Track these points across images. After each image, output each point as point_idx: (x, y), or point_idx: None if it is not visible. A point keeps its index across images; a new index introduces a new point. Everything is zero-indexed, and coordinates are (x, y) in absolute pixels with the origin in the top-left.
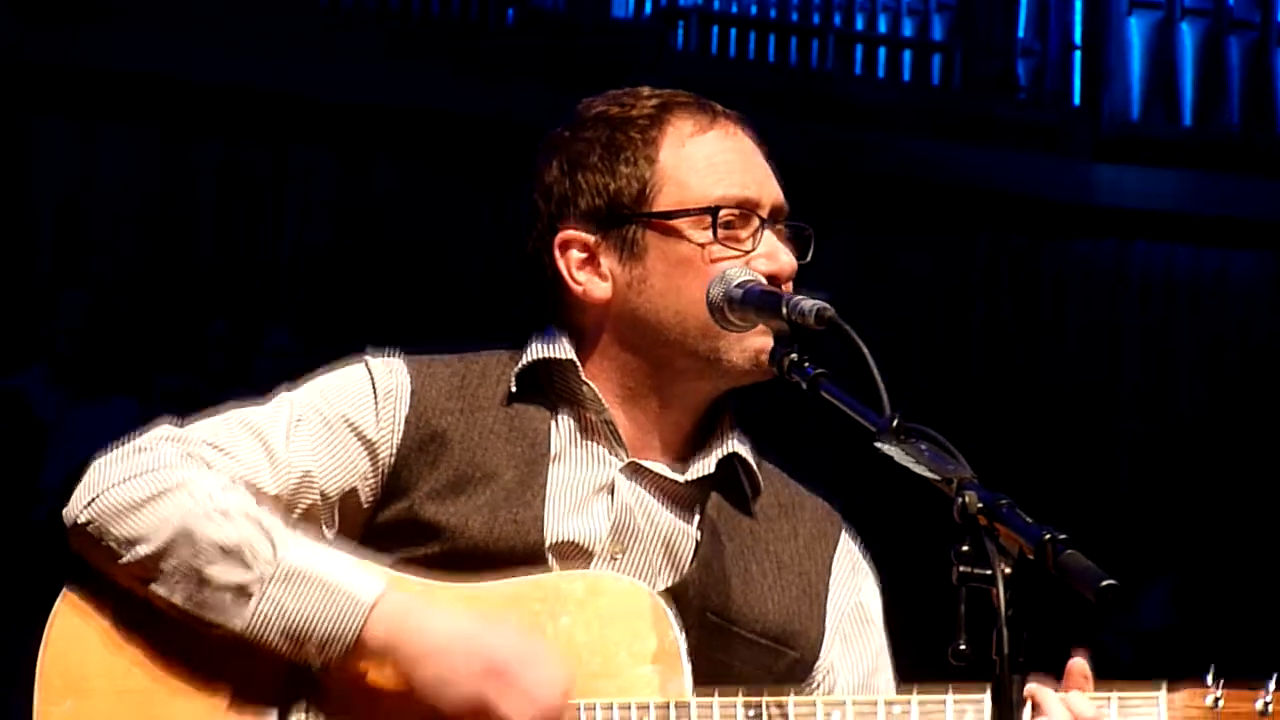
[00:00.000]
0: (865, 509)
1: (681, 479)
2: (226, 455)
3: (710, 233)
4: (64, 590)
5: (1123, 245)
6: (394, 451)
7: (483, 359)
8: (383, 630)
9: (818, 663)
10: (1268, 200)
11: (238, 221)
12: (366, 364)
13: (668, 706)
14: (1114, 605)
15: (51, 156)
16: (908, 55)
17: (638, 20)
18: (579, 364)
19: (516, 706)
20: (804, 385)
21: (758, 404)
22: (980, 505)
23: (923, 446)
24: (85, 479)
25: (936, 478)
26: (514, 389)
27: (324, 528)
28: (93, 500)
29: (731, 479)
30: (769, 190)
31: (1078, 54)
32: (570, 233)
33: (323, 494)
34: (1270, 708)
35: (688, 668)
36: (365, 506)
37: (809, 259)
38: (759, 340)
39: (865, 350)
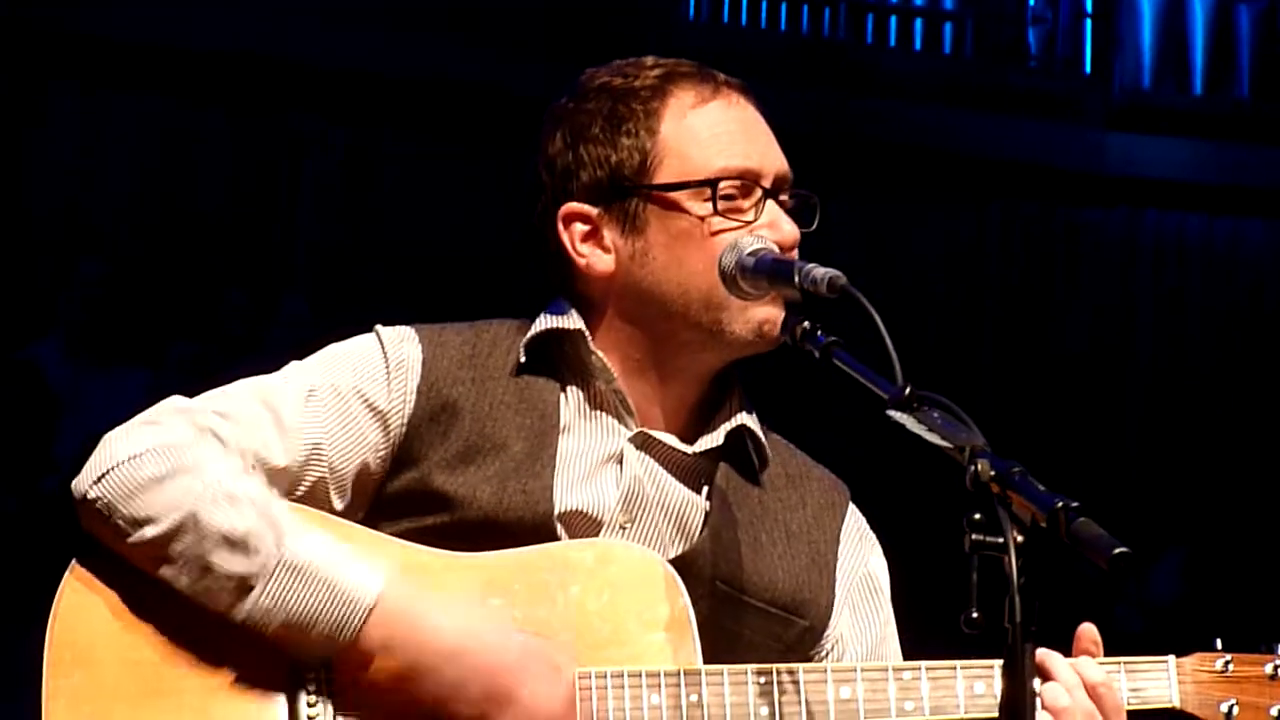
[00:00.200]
0: (876, 477)
1: (690, 450)
2: (237, 426)
3: (711, 205)
4: (73, 563)
5: (1134, 214)
6: (405, 422)
7: (493, 328)
8: (380, 632)
9: (827, 631)
10: (1278, 169)
11: (252, 190)
12: (378, 334)
13: (678, 674)
14: (1126, 573)
15: (65, 124)
16: (919, 23)
17: None
18: (588, 334)
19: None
20: (816, 354)
21: (767, 375)
22: (993, 473)
23: (935, 414)
24: (95, 454)
25: (949, 446)
26: (523, 359)
27: (333, 500)
28: (102, 477)
29: (740, 450)
30: (771, 160)
31: (1089, 22)
32: (573, 205)
33: (331, 466)
34: None
35: (696, 635)
36: (375, 477)
37: (814, 226)
38: (762, 311)
39: (877, 318)
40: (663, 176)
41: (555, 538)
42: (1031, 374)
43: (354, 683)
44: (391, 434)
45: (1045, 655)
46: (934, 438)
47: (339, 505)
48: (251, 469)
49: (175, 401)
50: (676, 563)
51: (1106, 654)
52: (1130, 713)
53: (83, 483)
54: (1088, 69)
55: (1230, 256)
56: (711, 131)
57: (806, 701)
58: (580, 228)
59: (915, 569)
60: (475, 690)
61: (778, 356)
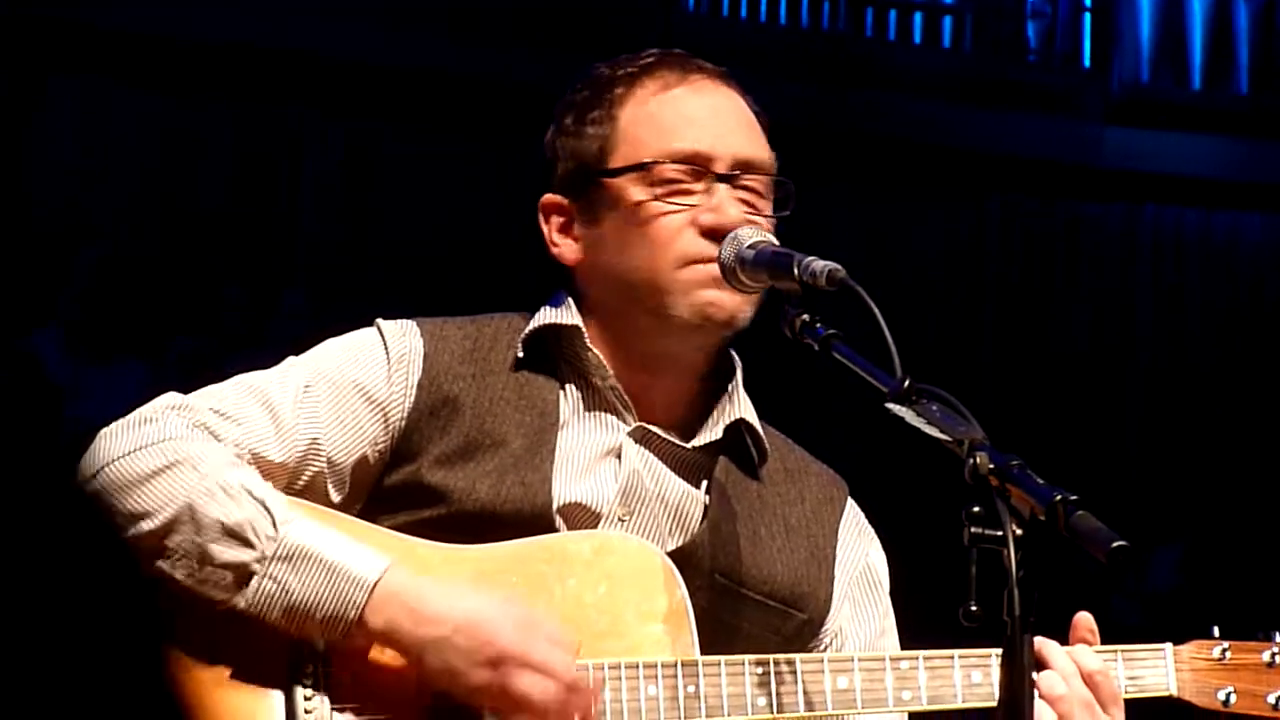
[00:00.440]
0: (875, 471)
1: (688, 445)
2: (233, 423)
3: (653, 189)
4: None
5: (1133, 208)
6: (405, 415)
7: (495, 322)
8: (384, 611)
9: (825, 624)
10: (1276, 163)
11: (252, 185)
12: (379, 327)
13: (675, 665)
14: (1125, 566)
15: (65, 118)
16: (918, 17)
17: None
18: (584, 330)
19: (534, 685)
20: (815, 346)
21: (767, 369)
22: (992, 466)
23: (934, 408)
24: (91, 450)
25: (948, 439)
26: (520, 355)
27: (331, 493)
28: (98, 472)
29: (739, 444)
30: (728, 143)
31: (1088, 17)
32: (551, 197)
33: (329, 460)
34: (1278, 659)
35: (693, 627)
36: (373, 470)
37: (789, 212)
38: (705, 294)
39: (877, 311)
40: (615, 163)
41: (553, 530)
42: (1030, 368)
43: (352, 674)
44: (391, 427)
45: (1042, 644)
46: (933, 431)
47: (336, 498)
48: (247, 463)
49: (171, 398)
50: (675, 555)
51: (1103, 643)
52: (1128, 701)
53: (80, 479)
54: (1087, 63)
55: (1229, 251)
56: (666, 117)
57: (804, 692)
58: (557, 219)
59: (914, 562)
60: (482, 656)
61: (777, 350)
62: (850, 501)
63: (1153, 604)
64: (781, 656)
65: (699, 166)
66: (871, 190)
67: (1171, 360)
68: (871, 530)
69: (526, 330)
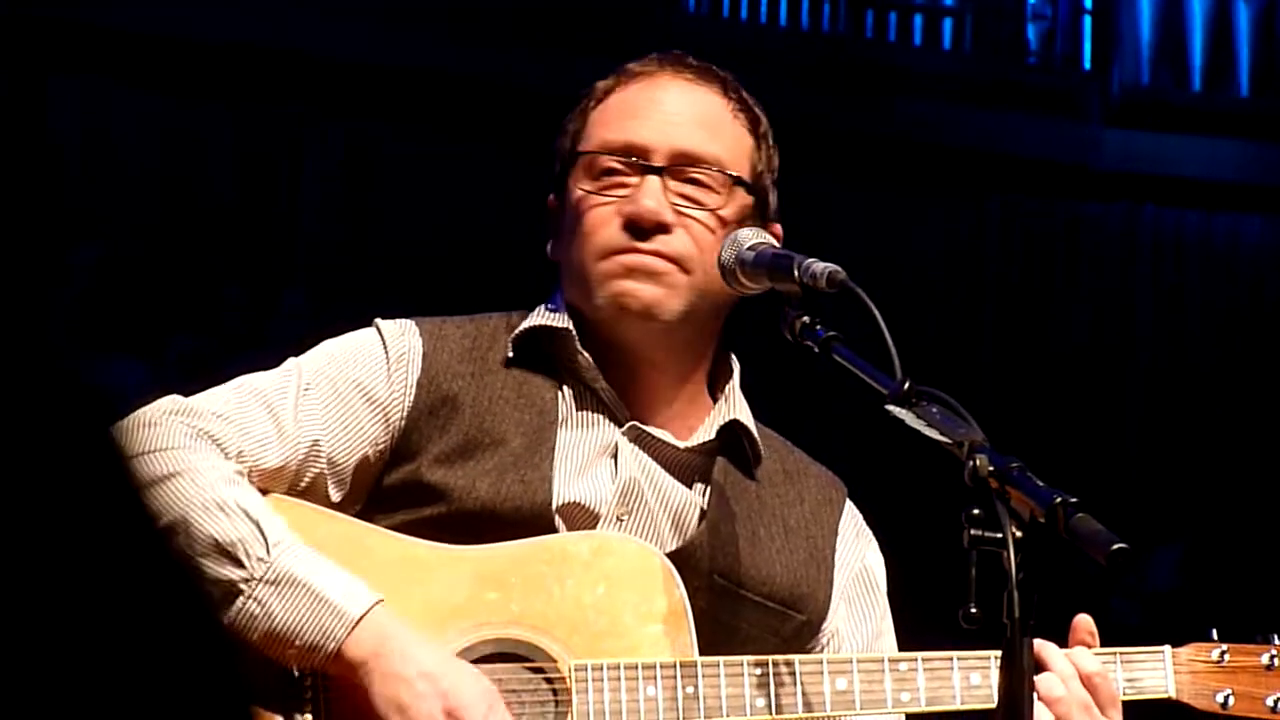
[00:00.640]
0: (875, 473)
1: (682, 445)
2: (234, 426)
3: (590, 180)
4: None
5: (1133, 209)
6: (405, 415)
7: (493, 322)
8: (363, 647)
9: (824, 626)
10: (1276, 165)
11: (252, 185)
12: (378, 327)
13: (674, 666)
14: (1125, 568)
15: (65, 116)
16: (919, 19)
17: None
18: (574, 333)
19: None
20: (816, 349)
21: (768, 371)
22: (991, 468)
23: (934, 410)
24: None
25: (948, 441)
26: (510, 355)
27: (332, 493)
28: None
29: (737, 446)
30: (668, 135)
31: (1088, 19)
32: (550, 198)
33: (330, 461)
34: (1277, 662)
35: (692, 628)
36: (374, 469)
37: (716, 206)
38: (616, 285)
39: (877, 313)
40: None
41: (553, 529)
42: (1030, 369)
43: (347, 700)
44: (391, 426)
45: (1041, 646)
46: (933, 433)
47: (337, 497)
48: (248, 471)
49: (172, 401)
50: (674, 556)
51: (1103, 646)
52: (1126, 703)
53: None
54: (1087, 65)
55: (1229, 252)
56: (614, 110)
57: (803, 693)
58: (552, 218)
59: (914, 564)
60: (438, 704)
61: (777, 352)
62: (849, 503)
63: (1152, 604)
64: (780, 658)
65: (636, 158)
66: (871, 191)
67: (1171, 361)
68: (869, 532)
69: (517, 331)
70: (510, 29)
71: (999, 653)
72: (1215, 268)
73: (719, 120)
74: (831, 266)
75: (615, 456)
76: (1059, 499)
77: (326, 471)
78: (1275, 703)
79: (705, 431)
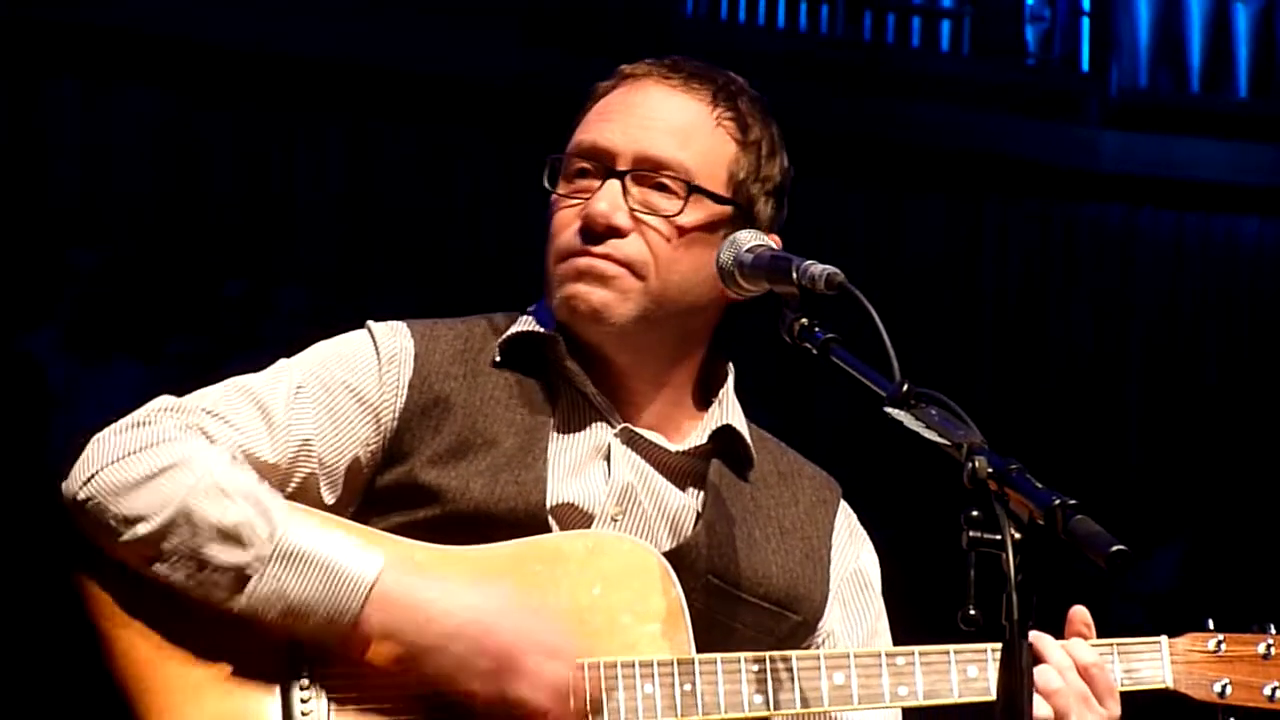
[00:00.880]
0: (874, 475)
1: (674, 449)
2: (226, 424)
3: (565, 183)
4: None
5: (1131, 211)
6: (396, 416)
7: (485, 323)
8: (382, 612)
9: (820, 626)
10: (1274, 167)
11: (251, 184)
12: (369, 328)
13: (672, 664)
14: (1124, 571)
15: (64, 116)
16: (917, 21)
17: None
18: (560, 337)
19: (533, 693)
20: (814, 350)
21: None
22: (990, 470)
23: (933, 411)
24: (84, 454)
25: (946, 443)
26: (498, 358)
27: (324, 495)
28: (91, 477)
29: (731, 449)
30: (632, 140)
31: (1086, 20)
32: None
33: (321, 461)
34: (1273, 651)
35: (689, 625)
36: (366, 471)
37: (678, 213)
38: (567, 288)
39: (875, 315)
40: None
41: (547, 530)
42: (1029, 370)
43: (349, 671)
44: (383, 428)
45: (1037, 638)
46: (931, 435)
47: (329, 500)
48: (241, 464)
49: (164, 401)
50: (669, 557)
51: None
52: (1124, 694)
53: (73, 484)
54: (1085, 67)
55: (1227, 254)
56: (594, 113)
57: (800, 689)
58: None
59: (913, 566)
60: (483, 665)
61: (779, 354)
62: (843, 504)
63: (1153, 605)
64: (778, 654)
65: (601, 161)
66: (870, 193)
67: (1169, 362)
68: (864, 532)
69: (504, 336)
70: (511, 31)
71: (995, 645)
72: (1213, 269)
73: (694, 128)
74: (830, 269)
75: (608, 458)
76: (1058, 501)
77: (318, 472)
78: (1273, 691)
79: (698, 436)
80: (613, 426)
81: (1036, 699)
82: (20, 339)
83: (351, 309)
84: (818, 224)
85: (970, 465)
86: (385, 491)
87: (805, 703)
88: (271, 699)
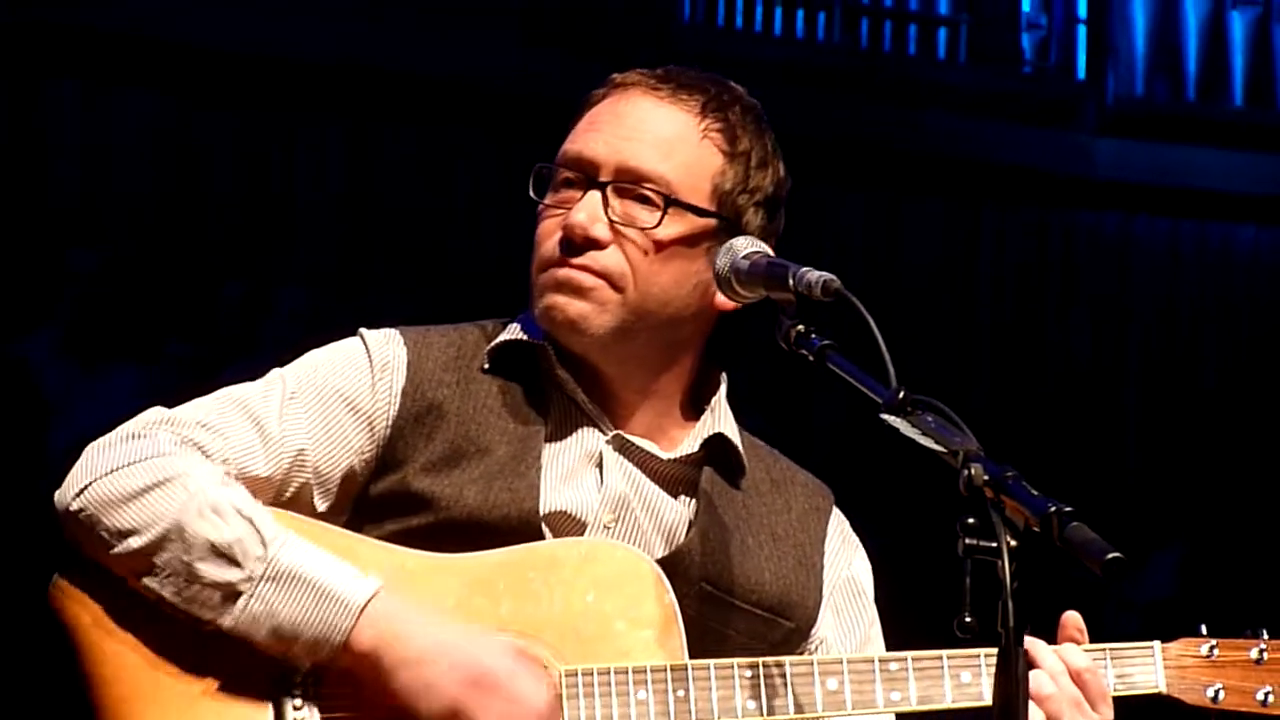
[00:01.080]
0: (871, 481)
1: (666, 456)
2: (219, 436)
3: (549, 193)
4: (55, 577)
5: (1127, 219)
6: (390, 423)
7: (477, 330)
8: (371, 634)
9: (812, 631)
10: (1270, 175)
11: (250, 186)
12: (362, 336)
13: (665, 670)
14: (1120, 578)
15: (62, 119)
16: (913, 29)
17: None
18: (549, 346)
19: (499, 716)
20: (811, 357)
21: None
22: (986, 477)
23: (929, 418)
24: (78, 465)
25: (942, 450)
26: (486, 366)
27: (318, 503)
28: (85, 488)
29: (721, 457)
30: (615, 151)
31: (1082, 28)
32: None
33: (316, 470)
34: (1266, 655)
35: (682, 632)
36: (360, 479)
37: (655, 225)
38: (546, 299)
39: (872, 322)
40: None
41: (541, 537)
42: (1026, 378)
43: (341, 688)
44: (376, 435)
45: (1030, 643)
46: (927, 442)
47: (323, 508)
48: (235, 478)
49: (157, 412)
50: (662, 564)
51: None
52: (1116, 699)
53: (65, 495)
54: (1081, 75)
55: (1223, 262)
56: (582, 122)
57: (794, 694)
58: None
59: (908, 573)
60: (460, 675)
61: (776, 361)
62: (836, 510)
63: (1149, 614)
64: (771, 660)
65: (584, 172)
66: (865, 199)
67: (1166, 370)
68: (856, 539)
69: (492, 344)
70: (510, 33)
71: (988, 650)
72: (1210, 276)
73: (678, 139)
74: (827, 275)
75: (600, 466)
76: (1053, 508)
77: (312, 481)
78: (1265, 696)
79: (690, 444)
80: (604, 434)
81: (1030, 705)
82: (17, 343)
83: (351, 311)
84: (815, 231)
85: (966, 472)
86: (379, 499)
87: (799, 709)
88: (265, 713)
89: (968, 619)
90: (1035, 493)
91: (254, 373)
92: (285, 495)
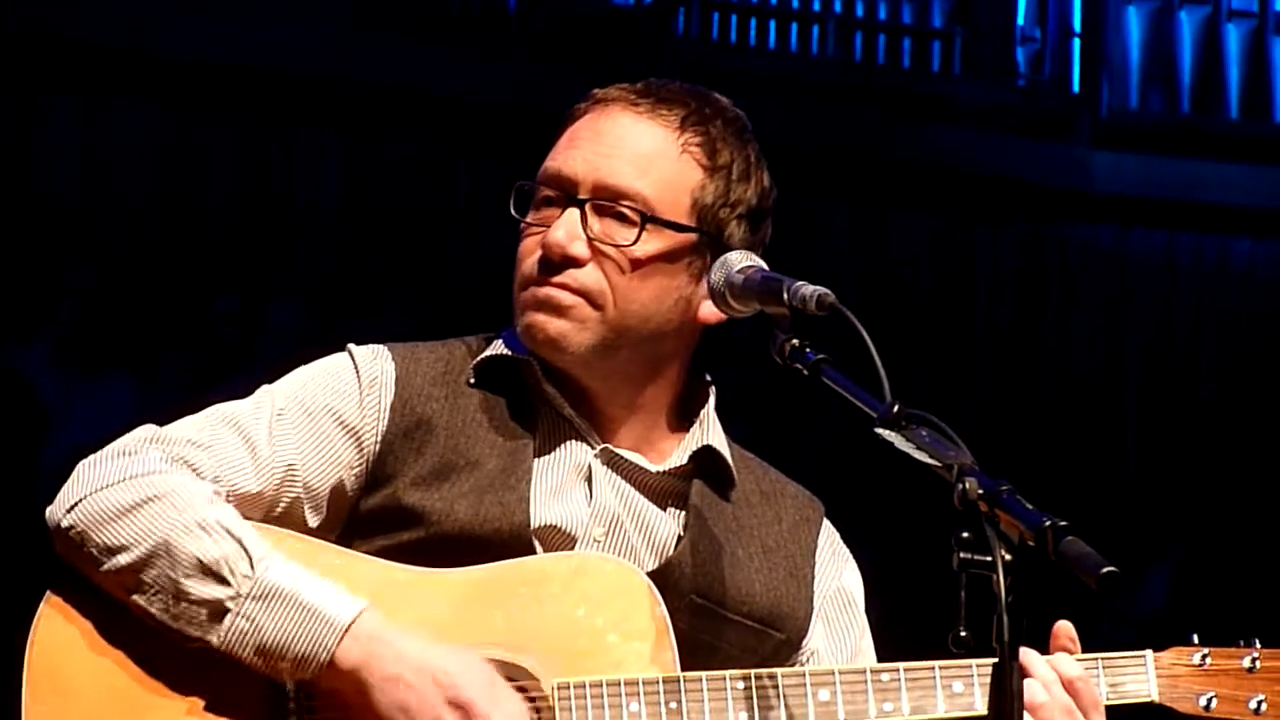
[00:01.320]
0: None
1: (655, 469)
2: (209, 453)
3: (531, 211)
4: (48, 593)
5: (1122, 232)
6: (379, 439)
7: (463, 346)
8: (356, 652)
9: (803, 643)
10: (1266, 188)
11: (247, 200)
12: (350, 352)
13: (657, 682)
14: (1115, 592)
15: (59, 132)
16: (907, 42)
17: (638, 6)
18: (535, 362)
19: None
20: (805, 371)
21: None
22: (981, 492)
23: (923, 432)
24: (69, 481)
25: (937, 464)
26: (472, 380)
27: (308, 519)
28: (75, 504)
29: (711, 469)
30: (592, 168)
31: (1077, 42)
32: None
33: (306, 486)
34: (1258, 664)
35: (674, 644)
36: (350, 495)
37: (633, 242)
38: (526, 317)
39: (866, 336)
40: None
41: (531, 551)
42: (1021, 391)
43: (332, 705)
44: (365, 451)
45: (1022, 653)
46: (922, 456)
47: (314, 523)
48: (225, 496)
49: (147, 430)
50: (653, 577)
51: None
52: (1109, 708)
53: (56, 511)
54: (1076, 88)
55: (1219, 274)
56: (563, 138)
57: (786, 706)
58: None
59: (902, 587)
60: (441, 696)
61: (770, 375)
62: (826, 522)
63: (1144, 628)
64: (764, 671)
65: (564, 190)
66: (859, 212)
67: (1162, 384)
68: (847, 551)
69: (477, 359)
70: (505, 47)
71: (980, 661)
72: (1206, 288)
73: (657, 155)
74: (821, 289)
75: (589, 480)
76: (1048, 522)
77: (303, 497)
78: (1258, 705)
79: (678, 456)
80: (593, 447)
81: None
82: (13, 354)
83: (348, 324)
84: (807, 243)
85: (961, 486)
86: (370, 515)
87: None
88: None
89: (963, 633)
90: (1030, 507)
91: (251, 384)
92: (276, 511)
